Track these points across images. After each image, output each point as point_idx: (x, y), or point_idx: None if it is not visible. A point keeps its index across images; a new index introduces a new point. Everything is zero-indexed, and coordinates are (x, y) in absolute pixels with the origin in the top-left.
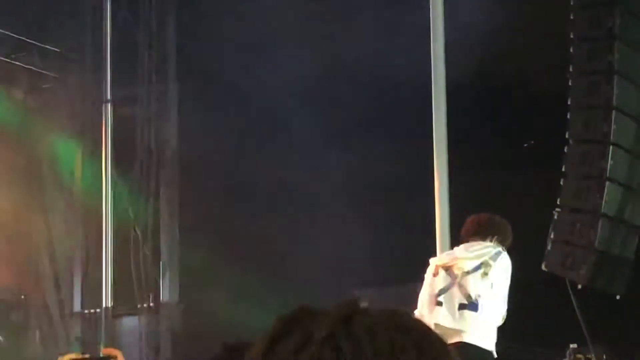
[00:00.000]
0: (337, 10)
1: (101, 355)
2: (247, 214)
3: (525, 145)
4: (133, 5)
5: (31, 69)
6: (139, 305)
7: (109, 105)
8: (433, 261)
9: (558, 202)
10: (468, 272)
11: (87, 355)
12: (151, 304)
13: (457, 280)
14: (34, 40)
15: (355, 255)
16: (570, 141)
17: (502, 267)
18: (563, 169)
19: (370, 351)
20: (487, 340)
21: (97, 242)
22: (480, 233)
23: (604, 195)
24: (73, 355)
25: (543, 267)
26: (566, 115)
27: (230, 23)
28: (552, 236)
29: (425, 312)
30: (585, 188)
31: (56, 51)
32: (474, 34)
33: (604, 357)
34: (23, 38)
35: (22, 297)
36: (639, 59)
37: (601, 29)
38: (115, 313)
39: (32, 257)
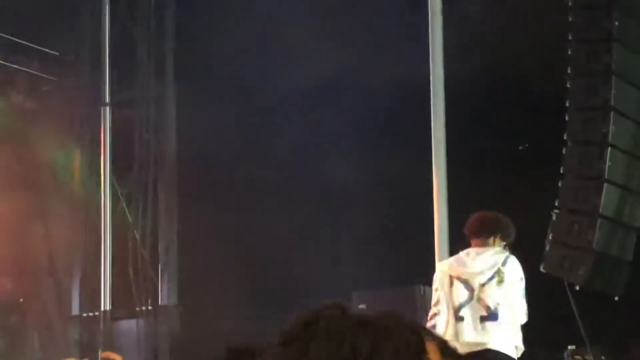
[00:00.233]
0: (337, 9)
1: (100, 359)
2: (246, 217)
3: (520, 147)
4: (131, 8)
5: (29, 72)
6: (137, 309)
7: (108, 108)
8: (443, 269)
9: (556, 204)
10: (484, 284)
11: None
12: (150, 307)
13: (476, 293)
14: (32, 43)
15: (354, 257)
16: (569, 142)
17: (514, 271)
18: (561, 170)
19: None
20: (509, 346)
21: (96, 245)
22: (485, 231)
23: (602, 197)
24: None
25: (541, 269)
26: (564, 116)
27: (229, 25)
28: (550, 237)
29: (448, 328)
30: (583, 189)
31: (54, 54)
32: (472, 35)
33: (603, 358)
34: (21, 41)
35: (21, 300)
36: (637, 60)
37: (599, 30)
38: (114, 316)
39: (31, 260)
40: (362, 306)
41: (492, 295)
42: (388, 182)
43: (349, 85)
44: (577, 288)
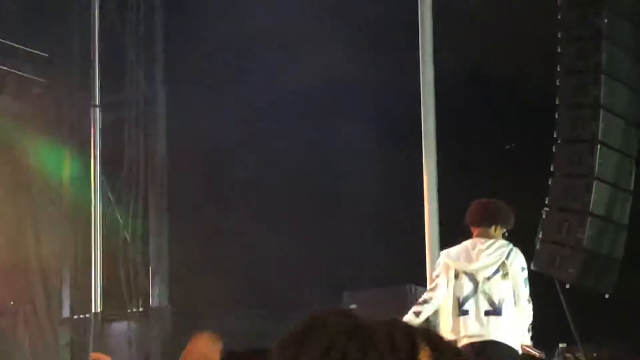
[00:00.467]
0: (328, 10)
1: None
2: (237, 218)
3: (507, 147)
4: (121, 10)
5: (19, 74)
6: (128, 311)
7: (98, 109)
8: (446, 260)
9: (546, 202)
10: (489, 278)
11: None
12: (141, 309)
13: (480, 286)
14: (21, 45)
15: (346, 256)
16: (559, 140)
17: (517, 262)
18: (551, 168)
19: None
20: (512, 338)
21: (86, 247)
22: (487, 221)
23: (592, 195)
24: None
25: (531, 267)
26: (554, 114)
27: (218, 26)
28: (540, 236)
29: (450, 321)
30: (573, 187)
31: (44, 56)
32: (462, 34)
33: (594, 355)
34: (10, 43)
35: (11, 302)
36: (626, 58)
37: (589, 28)
38: (105, 318)
39: (21, 262)
40: (352, 306)
41: (497, 290)
42: (378, 182)
43: (339, 85)
44: (568, 286)
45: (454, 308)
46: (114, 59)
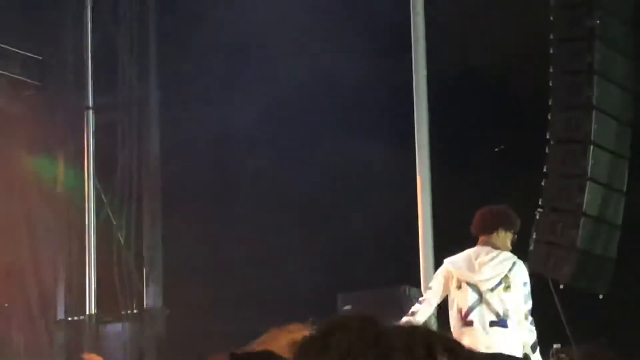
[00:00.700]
0: (320, 13)
1: None
2: (230, 219)
3: (496, 149)
4: (113, 12)
5: (12, 76)
6: (123, 312)
7: (91, 111)
8: (450, 269)
9: (540, 202)
10: (492, 289)
11: None
12: (135, 311)
13: (484, 297)
14: (14, 47)
15: (341, 257)
16: (551, 141)
17: (519, 276)
18: (544, 169)
19: None
20: (517, 351)
21: (80, 250)
22: (487, 228)
23: (586, 195)
24: None
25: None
26: (547, 115)
27: (212, 28)
28: (534, 236)
29: (455, 331)
30: (566, 188)
31: (37, 58)
32: (454, 35)
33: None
34: (3, 46)
35: (5, 305)
36: (619, 58)
37: (581, 29)
38: (99, 320)
39: (15, 264)
40: (347, 307)
41: (501, 301)
42: (372, 183)
43: (332, 87)
44: (562, 286)
45: (458, 319)
46: (107, 61)
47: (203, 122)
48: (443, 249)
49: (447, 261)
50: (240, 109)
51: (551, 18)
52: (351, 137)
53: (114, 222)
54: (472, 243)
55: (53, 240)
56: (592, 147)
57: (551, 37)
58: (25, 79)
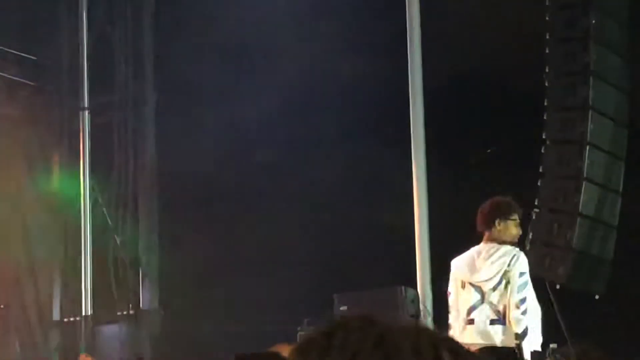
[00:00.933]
0: (318, 14)
1: None
2: (226, 220)
3: (489, 150)
4: (109, 12)
5: (7, 77)
6: (118, 313)
7: (86, 112)
8: (454, 271)
9: (536, 203)
10: (494, 288)
11: None
12: (131, 311)
13: (487, 297)
14: (10, 48)
15: (336, 258)
16: (547, 141)
17: (517, 268)
18: (540, 170)
19: None
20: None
21: (76, 250)
22: (485, 222)
23: (582, 196)
24: None
25: None
26: (543, 115)
27: (208, 29)
28: (530, 237)
29: (457, 330)
30: (562, 188)
31: (33, 59)
32: (450, 35)
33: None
34: None
35: (1, 306)
36: (615, 59)
37: (577, 29)
38: (95, 321)
39: (11, 266)
40: (343, 308)
41: (503, 299)
42: (368, 184)
43: (329, 88)
44: (558, 287)
45: (460, 318)
46: (102, 62)
47: (199, 123)
48: (439, 250)
49: (452, 263)
50: (237, 109)
51: (547, 18)
52: (347, 138)
53: (110, 223)
54: (468, 243)
55: (49, 241)
56: (588, 148)
57: (547, 37)
58: (20, 80)
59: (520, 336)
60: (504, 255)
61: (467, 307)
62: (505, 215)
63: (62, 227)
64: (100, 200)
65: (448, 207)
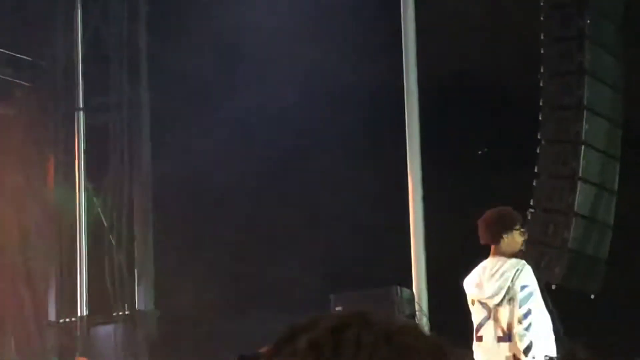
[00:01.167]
0: (311, 15)
1: None
2: (223, 221)
3: (480, 152)
4: (104, 13)
5: (2, 78)
6: (114, 314)
7: (81, 113)
8: (465, 288)
9: (531, 203)
10: (499, 305)
11: None
12: (126, 312)
13: (493, 313)
14: (5, 49)
15: (332, 258)
16: (542, 141)
17: (519, 282)
18: (536, 169)
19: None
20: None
21: (72, 251)
22: (493, 237)
23: (577, 195)
24: None
25: None
26: (538, 115)
27: (204, 29)
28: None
29: (472, 347)
30: (558, 188)
31: (28, 60)
32: (445, 36)
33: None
34: None
35: None
36: (609, 59)
37: (572, 29)
38: (91, 322)
39: (7, 267)
40: (339, 308)
41: (507, 316)
42: (364, 184)
43: (324, 88)
44: (554, 287)
45: (473, 335)
46: (97, 62)
47: (194, 124)
48: (435, 250)
49: (464, 281)
50: (232, 110)
51: (542, 18)
52: (343, 139)
53: (105, 224)
54: (463, 243)
55: (44, 242)
56: (583, 147)
57: (542, 37)
58: (15, 80)
59: (525, 351)
60: (507, 270)
61: (476, 324)
62: (509, 228)
63: (58, 228)
64: (95, 200)
65: (443, 207)
